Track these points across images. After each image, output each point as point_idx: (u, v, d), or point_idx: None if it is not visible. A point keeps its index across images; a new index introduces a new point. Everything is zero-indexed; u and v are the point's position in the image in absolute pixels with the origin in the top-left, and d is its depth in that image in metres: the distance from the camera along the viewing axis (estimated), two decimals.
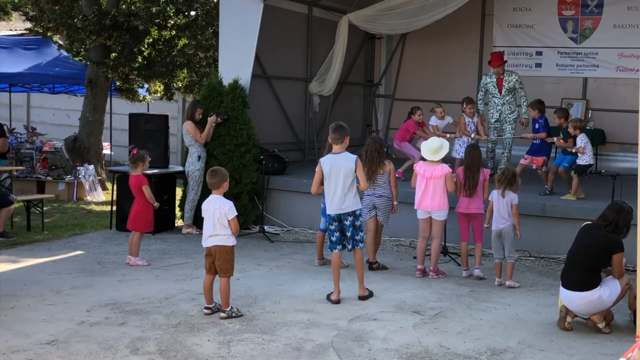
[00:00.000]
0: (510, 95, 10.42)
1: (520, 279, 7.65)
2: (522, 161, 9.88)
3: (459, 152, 9.99)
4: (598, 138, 12.03)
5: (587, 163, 9.19)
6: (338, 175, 6.67)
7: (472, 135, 10.17)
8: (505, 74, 10.44)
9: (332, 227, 6.81)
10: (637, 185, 4.06)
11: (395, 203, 8.10)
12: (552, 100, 12.62)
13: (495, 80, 10.43)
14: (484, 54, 13.70)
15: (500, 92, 10.39)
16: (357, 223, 6.81)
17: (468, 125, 10.25)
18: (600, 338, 5.92)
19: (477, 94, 10.84)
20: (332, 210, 6.77)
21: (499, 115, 10.43)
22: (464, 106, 10.31)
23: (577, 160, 9.22)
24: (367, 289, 6.95)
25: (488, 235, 7.92)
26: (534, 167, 9.89)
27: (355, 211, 6.77)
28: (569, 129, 9.23)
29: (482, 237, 7.90)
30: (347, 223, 6.77)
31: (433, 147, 7.70)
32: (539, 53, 13.33)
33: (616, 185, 8.46)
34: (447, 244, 8.55)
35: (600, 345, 5.77)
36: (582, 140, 9.14)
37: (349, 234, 6.78)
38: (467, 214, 7.89)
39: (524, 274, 8.01)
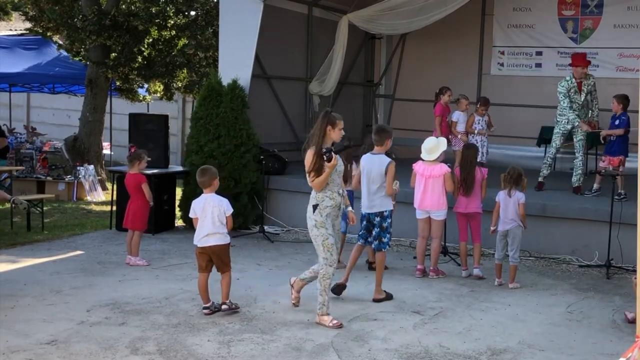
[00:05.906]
0: (585, 100, 9.90)
1: (520, 279, 7.64)
2: (601, 164, 9.52)
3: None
4: (597, 138, 11.98)
5: None
6: (369, 175, 6.82)
7: (482, 131, 10.03)
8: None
9: (362, 224, 7.03)
10: (637, 185, 4.05)
11: (393, 203, 8.08)
12: (552, 100, 12.57)
13: (576, 84, 9.77)
14: (484, 54, 13.72)
15: (581, 96, 9.80)
16: (385, 224, 6.85)
17: (478, 122, 10.14)
18: (600, 338, 5.93)
19: (561, 102, 9.86)
20: (363, 208, 6.97)
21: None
22: (478, 106, 10.15)
23: None
24: (385, 291, 6.93)
25: (486, 235, 7.92)
26: (611, 169, 9.02)
27: (382, 212, 6.84)
28: None
29: (481, 236, 7.89)
30: (375, 223, 6.87)
31: (429, 147, 7.69)
32: (539, 53, 13.34)
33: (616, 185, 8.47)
34: (446, 244, 8.56)
35: (600, 345, 5.77)
36: None
37: (374, 234, 6.87)
38: (466, 214, 7.88)
39: (524, 274, 8.01)
